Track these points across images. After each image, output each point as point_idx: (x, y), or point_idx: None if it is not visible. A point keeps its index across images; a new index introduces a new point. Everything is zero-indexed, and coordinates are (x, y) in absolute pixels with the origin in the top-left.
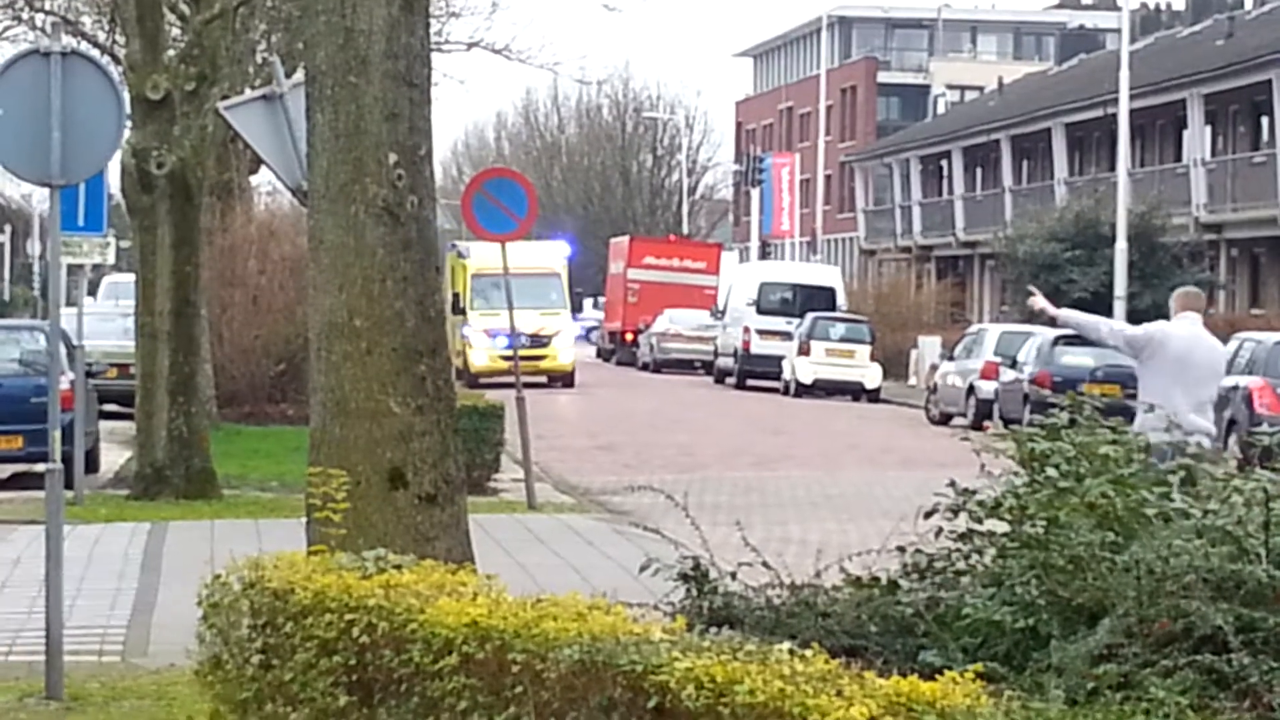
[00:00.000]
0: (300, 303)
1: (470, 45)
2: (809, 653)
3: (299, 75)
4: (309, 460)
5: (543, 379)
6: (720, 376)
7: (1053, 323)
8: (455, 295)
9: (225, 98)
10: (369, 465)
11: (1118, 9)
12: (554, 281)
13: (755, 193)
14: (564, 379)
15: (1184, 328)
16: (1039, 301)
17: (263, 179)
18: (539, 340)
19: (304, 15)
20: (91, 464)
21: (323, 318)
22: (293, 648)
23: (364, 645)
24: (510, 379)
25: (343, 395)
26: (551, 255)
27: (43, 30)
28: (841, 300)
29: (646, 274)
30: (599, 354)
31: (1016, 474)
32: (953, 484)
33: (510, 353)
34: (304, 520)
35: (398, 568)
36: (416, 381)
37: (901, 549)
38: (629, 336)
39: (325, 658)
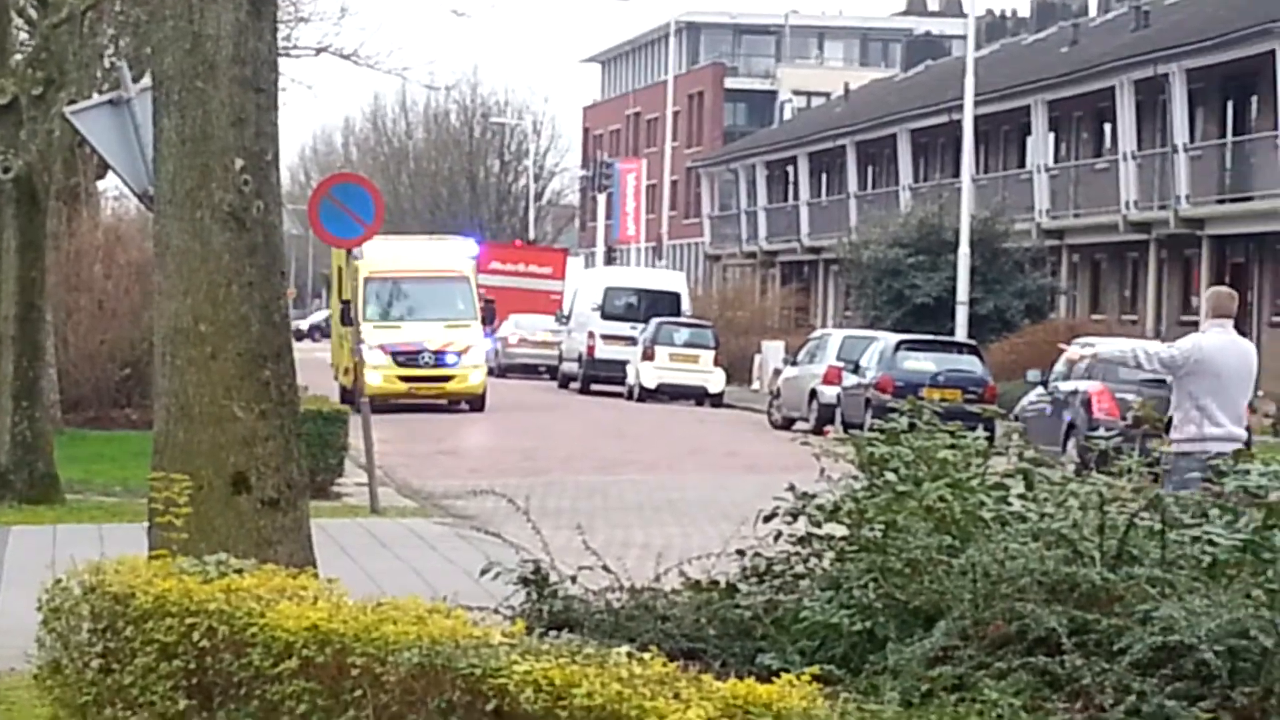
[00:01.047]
0: (146, 308)
1: (319, 50)
2: (647, 656)
3: (146, 80)
4: (152, 465)
5: (445, 401)
6: (565, 381)
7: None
8: (346, 303)
9: (72, 102)
10: (212, 470)
11: (964, 16)
12: (461, 287)
13: (602, 198)
14: (473, 402)
15: (1217, 338)
16: (1074, 352)
17: (110, 184)
18: (444, 359)
19: (151, 20)
20: None
21: (168, 323)
22: (133, 652)
23: (204, 649)
24: (411, 402)
25: (187, 400)
26: (457, 255)
27: None
28: (686, 305)
29: (493, 279)
30: None
31: (856, 478)
32: (792, 488)
33: (408, 373)
34: (147, 525)
35: (239, 572)
36: (260, 386)
37: (741, 553)
38: None
39: (165, 662)
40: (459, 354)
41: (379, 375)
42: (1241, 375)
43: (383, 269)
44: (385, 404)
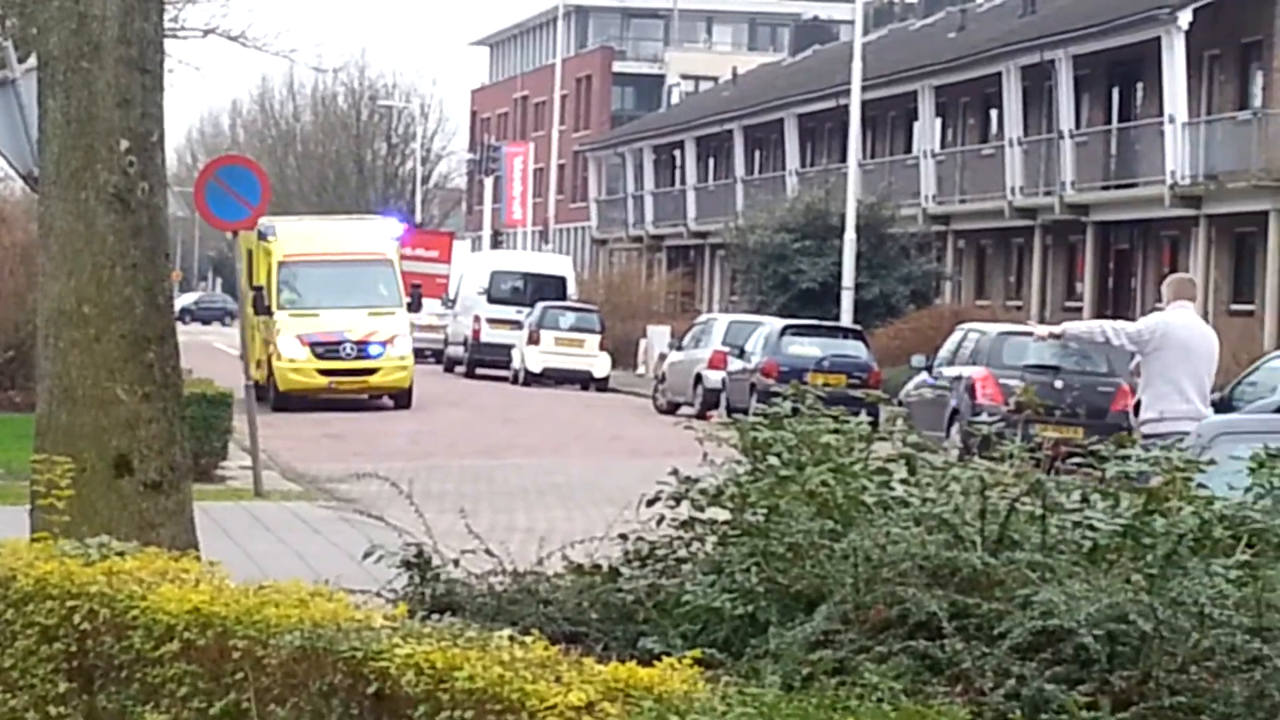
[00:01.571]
0: (30, 290)
1: (206, 32)
2: (529, 639)
3: (32, 60)
4: (34, 447)
5: (366, 396)
6: (450, 365)
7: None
8: (259, 289)
9: None
10: (95, 452)
11: (852, 1)
12: (384, 271)
13: (489, 182)
14: (399, 397)
15: (1184, 317)
16: (1041, 330)
17: None
18: (368, 349)
19: (38, 0)
20: None
21: (51, 304)
22: (13, 634)
23: (85, 632)
24: (329, 398)
25: (70, 382)
26: (378, 236)
27: None
28: (572, 289)
29: None
30: None
31: (739, 463)
32: (675, 472)
33: (328, 365)
34: (29, 508)
35: (121, 555)
36: (144, 369)
37: (624, 537)
38: None
39: (46, 644)
40: (384, 344)
41: (296, 368)
42: (1208, 355)
43: (298, 252)
44: (303, 400)
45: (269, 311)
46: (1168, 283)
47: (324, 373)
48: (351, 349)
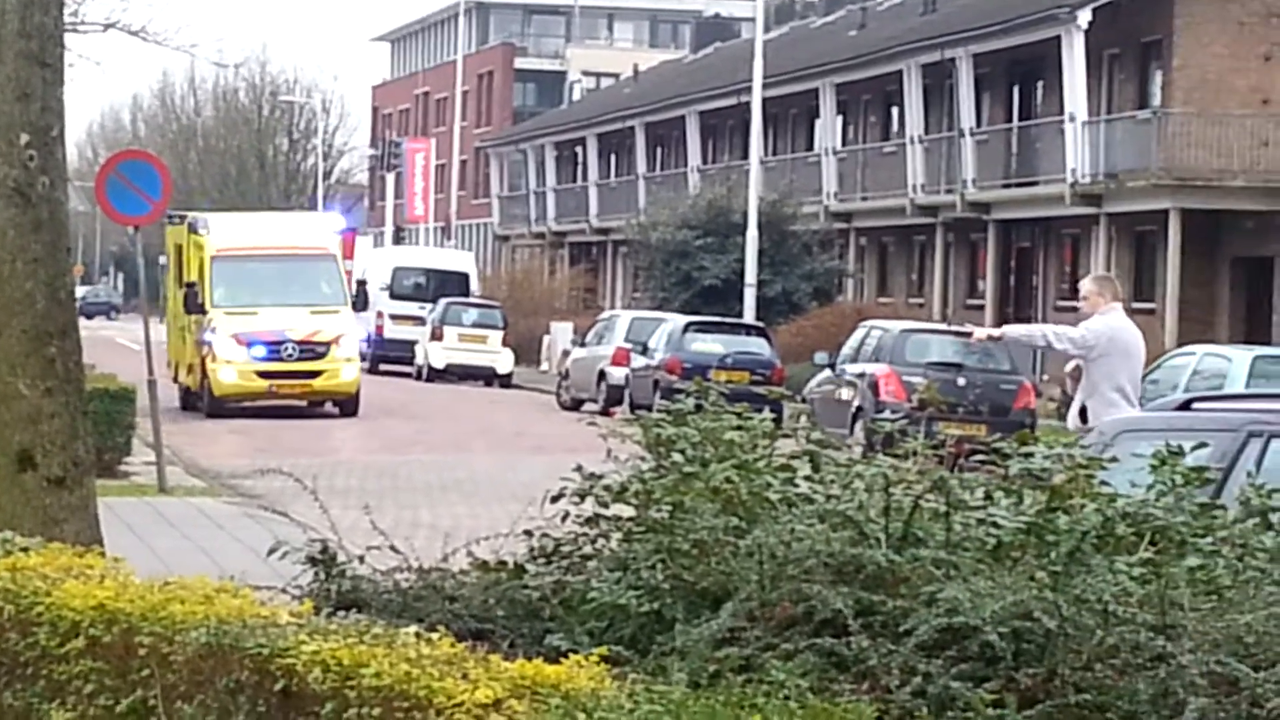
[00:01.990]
0: None
1: (107, 26)
2: (435, 636)
3: None
4: None
5: (309, 401)
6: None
7: (998, 340)
8: (191, 286)
9: None
10: None
11: None
12: (327, 267)
13: (390, 178)
14: (345, 404)
15: (1123, 319)
16: (980, 333)
17: None
18: (311, 349)
19: None
20: None
21: None
22: None
23: None
24: (269, 403)
25: None
26: (321, 230)
27: None
28: (475, 286)
29: None
30: None
31: (643, 459)
32: (579, 469)
33: (269, 367)
34: None
35: (25, 550)
36: (46, 363)
37: (529, 533)
38: None
39: None
40: (327, 345)
41: (233, 371)
42: (1140, 357)
43: (234, 246)
44: (240, 406)
45: (202, 310)
46: (1099, 283)
47: (264, 375)
48: (293, 349)
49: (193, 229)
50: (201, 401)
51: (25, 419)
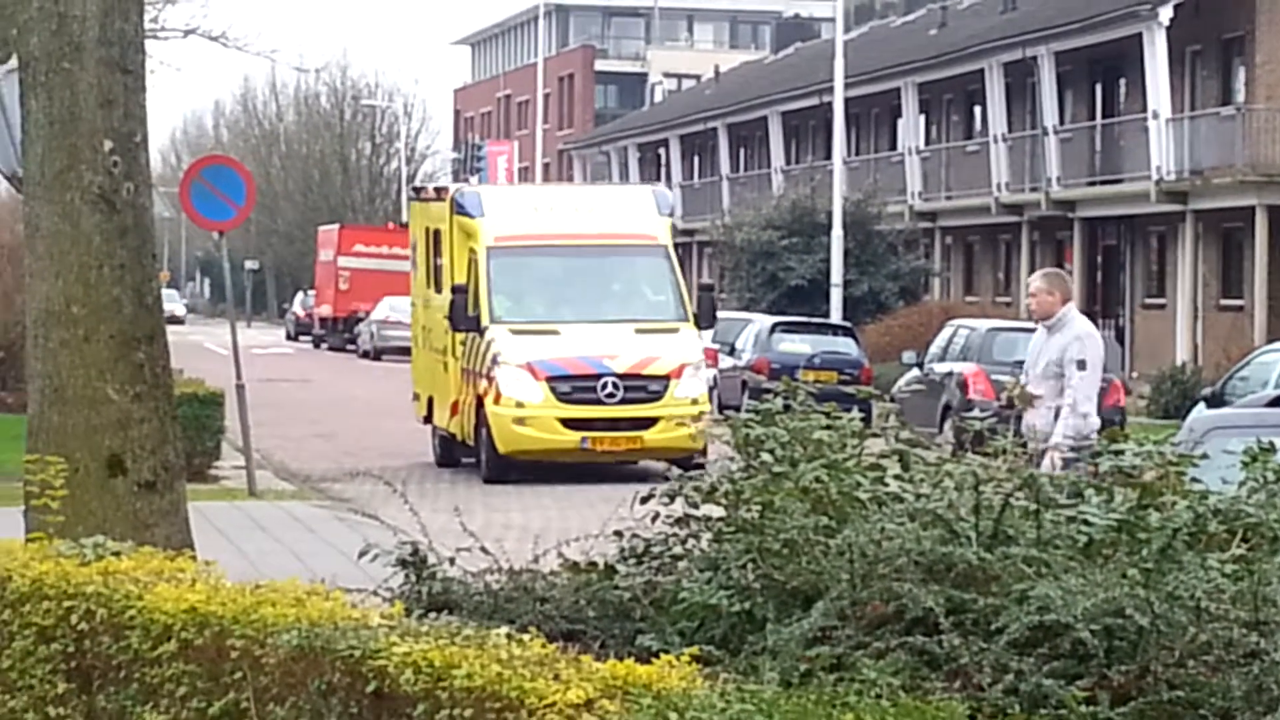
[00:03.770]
0: (19, 290)
1: (187, 32)
2: (527, 637)
3: (13, 62)
4: (27, 448)
5: (636, 461)
6: None
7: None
8: (460, 291)
9: None
10: (87, 452)
11: None
12: (657, 264)
13: (473, 180)
14: (681, 461)
15: (1090, 325)
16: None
17: None
18: (642, 387)
19: (17, 1)
20: None
21: (40, 305)
22: (10, 635)
23: (82, 632)
24: (579, 463)
25: (60, 382)
26: (642, 210)
27: None
28: None
29: (356, 261)
30: (289, 336)
31: (732, 459)
32: (669, 468)
33: (580, 413)
34: (23, 508)
35: (116, 554)
36: (134, 368)
37: (619, 534)
38: (340, 322)
39: (43, 645)
40: (665, 380)
41: (527, 416)
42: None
43: (520, 234)
44: (536, 465)
45: (476, 326)
46: (1051, 281)
47: (572, 424)
48: (616, 387)
49: (460, 208)
50: (476, 456)
51: (115, 424)
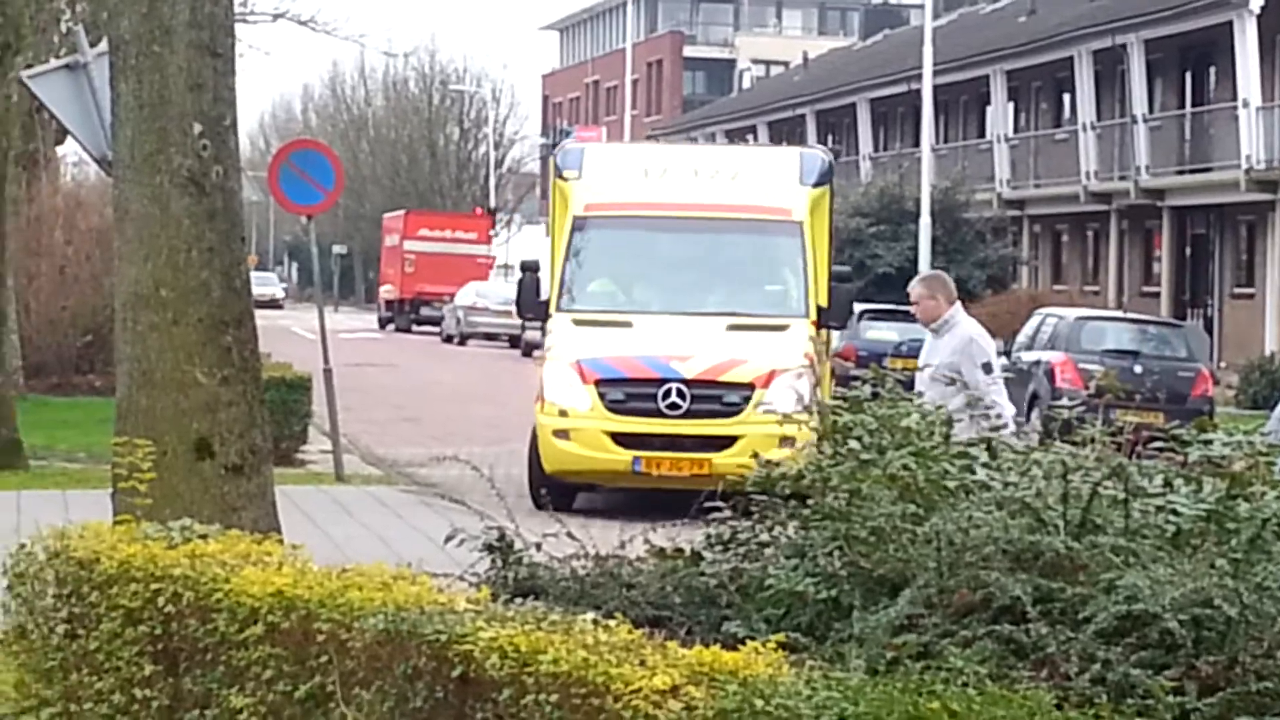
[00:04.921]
0: (107, 274)
1: (276, 16)
2: (613, 623)
3: (103, 45)
4: (115, 431)
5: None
6: (528, 349)
7: None
8: (530, 270)
9: (29, 67)
10: (175, 435)
11: None
12: (785, 245)
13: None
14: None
15: (978, 325)
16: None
17: (69, 149)
18: (715, 397)
19: None
20: None
21: (129, 288)
22: (98, 617)
23: (169, 615)
24: (636, 489)
25: (149, 365)
26: (782, 177)
27: None
28: None
29: (421, 245)
30: (380, 324)
31: (819, 446)
32: (756, 455)
33: (633, 426)
34: (111, 491)
35: (203, 537)
36: (223, 352)
37: (706, 520)
38: (405, 304)
39: (131, 627)
40: (746, 389)
41: (571, 428)
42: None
43: (615, 201)
44: (586, 488)
45: (544, 310)
46: (930, 285)
47: (624, 440)
48: (681, 396)
49: (558, 169)
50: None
51: (203, 407)
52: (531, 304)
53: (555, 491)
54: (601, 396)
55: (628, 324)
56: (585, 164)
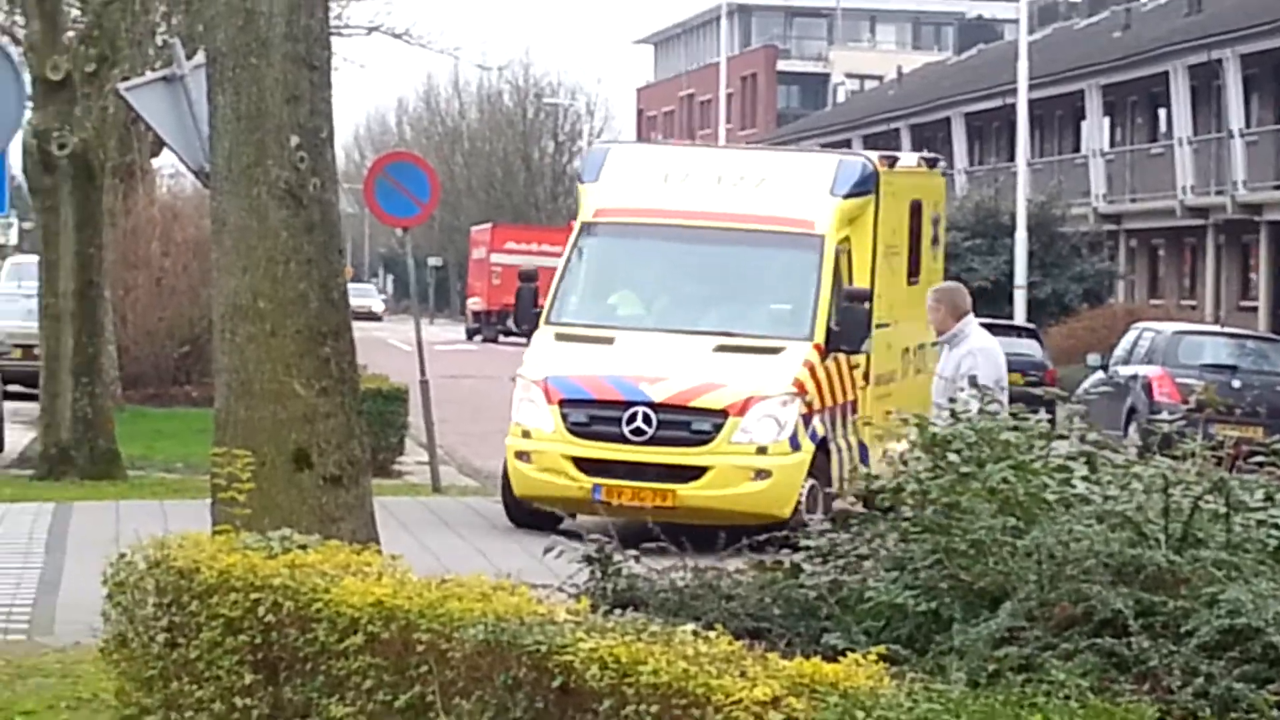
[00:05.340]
0: (204, 285)
1: (370, 29)
2: (712, 634)
3: (200, 57)
4: (214, 441)
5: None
6: None
7: None
8: (527, 280)
9: (126, 79)
10: (274, 446)
11: (1016, 0)
12: (801, 260)
13: None
14: (766, 526)
15: (988, 338)
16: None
17: (165, 161)
18: (683, 424)
19: None
20: None
21: (227, 299)
22: (198, 626)
23: (269, 624)
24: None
25: (247, 376)
26: (812, 188)
27: None
28: None
29: (508, 258)
30: (468, 335)
31: (919, 459)
32: (856, 469)
33: (595, 451)
34: (209, 501)
35: (303, 548)
36: (320, 363)
37: (805, 533)
38: (492, 315)
39: (231, 636)
40: (719, 416)
41: (534, 451)
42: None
43: (625, 207)
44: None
45: (534, 323)
46: (944, 295)
47: (585, 466)
48: (646, 421)
49: (579, 173)
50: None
51: (301, 418)
52: (526, 315)
53: (534, 512)
54: (564, 418)
55: (609, 340)
56: (605, 167)
